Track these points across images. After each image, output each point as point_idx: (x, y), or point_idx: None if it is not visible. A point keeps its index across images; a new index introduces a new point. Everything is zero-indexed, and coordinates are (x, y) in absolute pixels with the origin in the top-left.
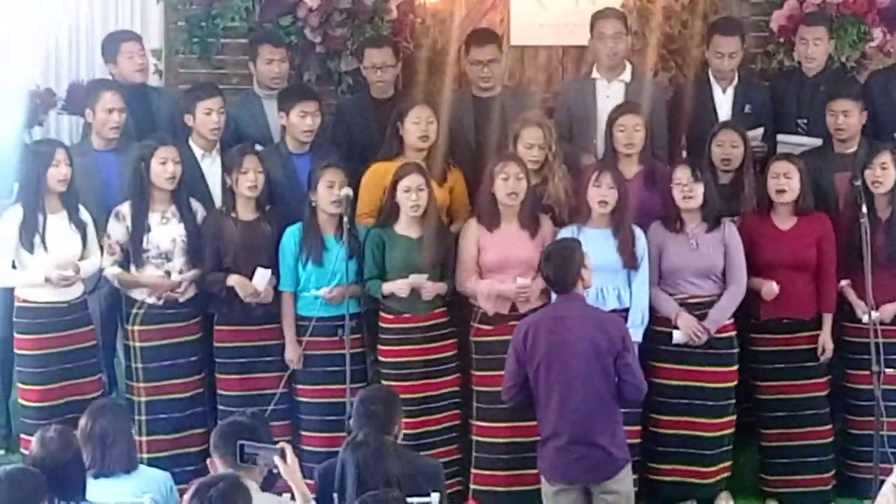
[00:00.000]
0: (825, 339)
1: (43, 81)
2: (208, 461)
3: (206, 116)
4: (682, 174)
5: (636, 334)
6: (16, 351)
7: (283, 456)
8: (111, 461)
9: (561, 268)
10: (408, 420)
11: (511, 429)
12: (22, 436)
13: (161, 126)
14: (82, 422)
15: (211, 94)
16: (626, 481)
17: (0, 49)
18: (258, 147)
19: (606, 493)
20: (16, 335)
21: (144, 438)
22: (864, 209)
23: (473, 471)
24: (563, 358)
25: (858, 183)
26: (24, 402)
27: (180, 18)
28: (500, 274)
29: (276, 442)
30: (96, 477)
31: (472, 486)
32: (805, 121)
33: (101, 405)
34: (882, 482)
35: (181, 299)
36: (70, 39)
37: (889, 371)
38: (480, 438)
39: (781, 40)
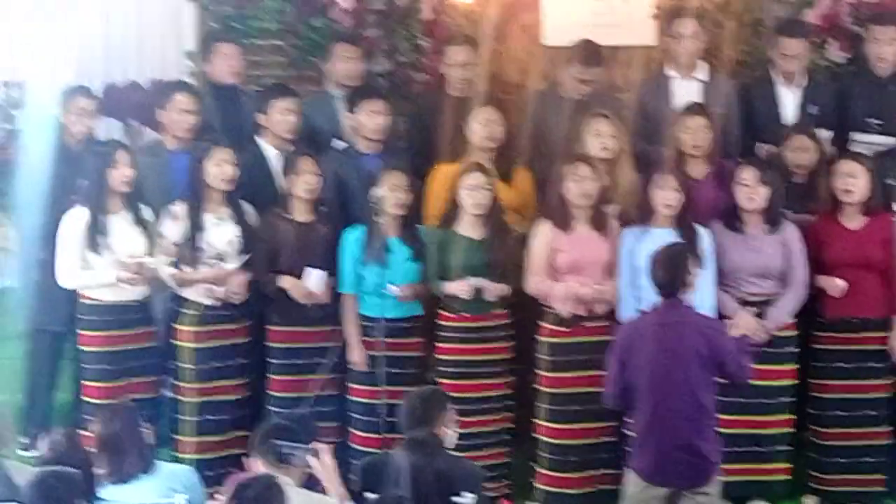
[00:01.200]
0: (892, 339)
1: (77, 83)
2: (245, 461)
3: (282, 116)
4: (747, 174)
5: None
6: (80, 347)
7: (318, 456)
8: (127, 466)
9: (671, 272)
10: (463, 419)
11: (577, 430)
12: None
13: (248, 128)
14: (93, 427)
15: (286, 94)
16: (715, 486)
17: (34, 51)
18: (339, 143)
19: (698, 496)
20: (80, 332)
21: (194, 440)
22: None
23: (542, 472)
24: (667, 364)
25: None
26: (86, 399)
27: (213, 20)
28: (574, 275)
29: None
30: (115, 483)
31: (538, 486)
32: (879, 121)
33: (110, 409)
34: None
35: (236, 300)
36: (104, 41)
37: None
38: (550, 440)
39: (815, 39)
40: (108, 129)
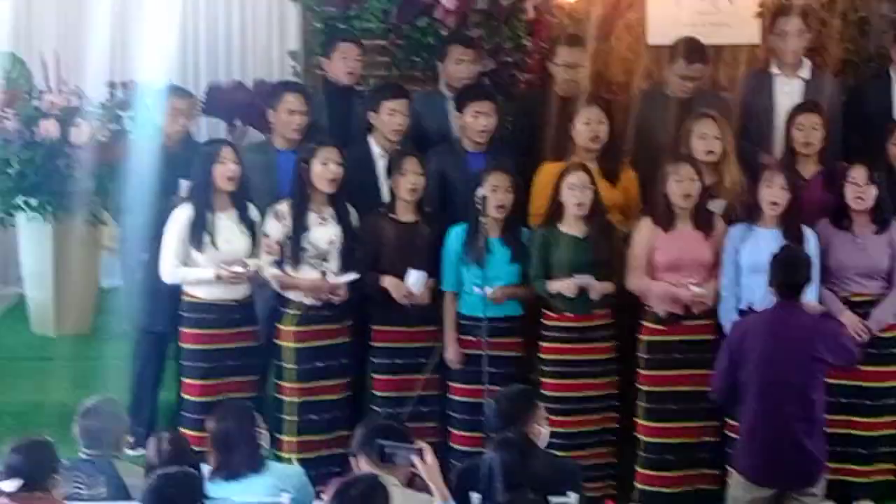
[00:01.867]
0: None
1: (181, 84)
2: (351, 460)
3: (390, 117)
4: (858, 174)
5: None
6: (181, 345)
7: (422, 456)
8: (236, 463)
9: (791, 276)
10: (564, 419)
11: (675, 429)
12: (182, 430)
13: (360, 128)
14: (208, 424)
15: (396, 95)
16: (821, 487)
17: (140, 51)
18: None
19: (805, 496)
20: (181, 329)
21: (295, 439)
22: None
23: (640, 471)
24: (777, 364)
25: None
26: (185, 396)
27: (317, 20)
28: (674, 274)
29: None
30: (226, 480)
31: (638, 486)
32: None
33: (225, 407)
34: None
35: (338, 301)
36: (208, 41)
37: None
38: (648, 439)
39: None
40: (213, 129)
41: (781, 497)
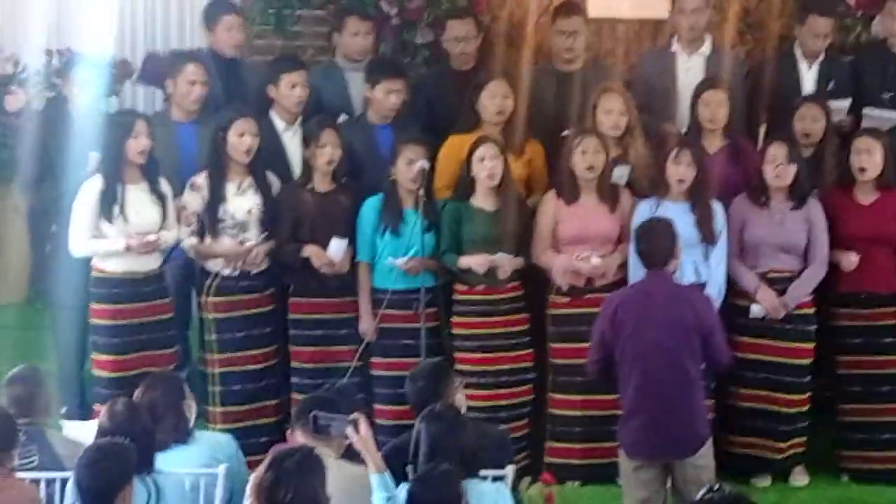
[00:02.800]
0: None
1: (118, 52)
2: (288, 433)
3: (290, 90)
4: (778, 151)
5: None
6: (91, 321)
7: (356, 426)
8: (163, 434)
9: (656, 245)
10: (480, 393)
11: (587, 402)
12: (95, 406)
13: (251, 99)
14: (136, 395)
15: (295, 68)
16: (707, 456)
17: (76, 20)
18: (342, 117)
19: (689, 468)
20: (91, 305)
21: (219, 409)
22: None
23: (548, 443)
24: (650, 334)
25: None
26: (98, 372)
27: None
28: (578, 247)
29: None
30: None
31: (546, 459)
32: (891, 95)
33: (152, 378)
34: None
35: (256, 270)
36: (145, 10)
37: None
38: (556, 411)
39: (860, 15)
40: (151, 98)
41: (670, 467)
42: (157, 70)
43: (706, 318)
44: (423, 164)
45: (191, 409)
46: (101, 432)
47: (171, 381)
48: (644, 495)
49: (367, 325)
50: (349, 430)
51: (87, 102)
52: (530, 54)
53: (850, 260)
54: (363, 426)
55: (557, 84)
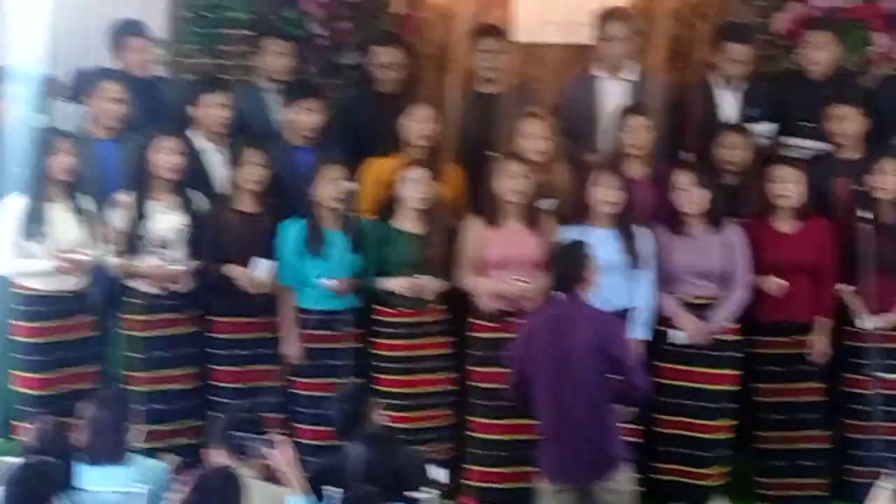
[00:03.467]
0: (820, 343)
1: (48, 69)
2: (203, 452)
3: (213, 110)
4: (683, 178)
5: (644, 333)
6: (11, 338)
7: (274, 447)
8: (100, 450)
9: (567, 268)
10: (402, 415)
11: (507, 426)
12: (14, 423)
13: (169, 116)
14: (82, 407)
15: (214, 89)
16: (624, 481)
17: (6, 36)
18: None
19: (606, 493)
20: (12, 322)
21: (143, 428)
22: (864, 214)
23: (468, 467)
24: (562, 358)
25: (859, 188)
26: (22, 390)
27: (185, 9)
28: (502, 271)
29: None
30: (88, 463)
31: (465, 482)
32: (811, 124)
33: (103, 394)
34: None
35: (181, 290)
36: (76, 27)
37: (888, 376)
38: (475, 434)
39: (784, 44)
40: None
41: (587, 491)
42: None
43: (616, 343)
44: (351, 185)
45: (131, 430)
46: (28, 450)
47: (119, 399)
48: None
49: (292, 348)
50: (269, 452)
51: (17, 119)
52: (455, 77)
53: (779, 284)
54: (284, 448)
55: (480, 107)
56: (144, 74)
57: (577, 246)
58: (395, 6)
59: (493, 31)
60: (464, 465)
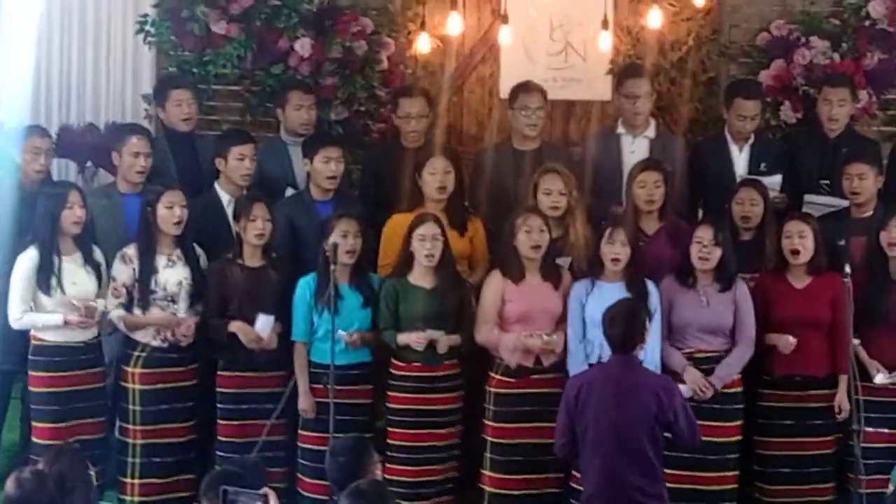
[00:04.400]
0: (841, 399)
1: (33, 121)
2: None
3: (239, 162)
4: (704, 234)
5: None
6: (30, 388)
7: (266, 502)
8: None
9: (627, 329)
10: (409, 468)
11: (525, 481)
12: None
13: (204, 172)
14: (39, 466)
15: (244, 141)
16: None
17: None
18: (289, 191)
19: None
20: (31, 373)
21: (137, 481)
22: (847, 269)
23: None
24: (614, 420)
25: (842, 243)
26: (36, 440)
27: (172, 64)
28: (524, 326)
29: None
30: None
31: None
32: (828, 182)
33: (57, 450)
34: None
35: (184, 343)
36: (61, 82)
37: (881, 430)
38: (493, 490)
39: (769, 100)
40: (64, 171)
41: None
42: (71, 142)
43: (670, 407)
44: (334, 240)
45: (94, 478)
46: (9, 501)
47: (74, 452)
48: None
49: (307, 403)
50: None
51: (7, 173)
52: (442, 132)
53: (788, 342)
54: (272, 501)
55: (515, 163)
56: (185, 128)
57: (634, 305)
58: (381, 62)
59: (535, 87)
60: None
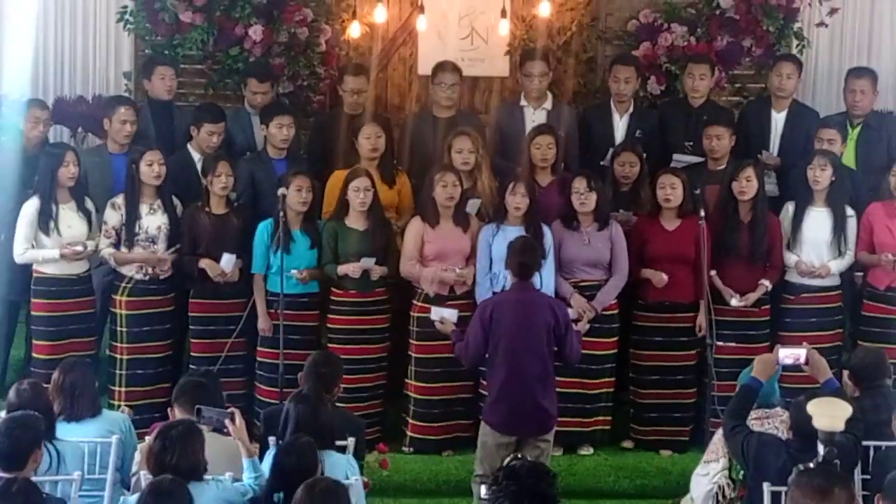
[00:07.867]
0: (701, 320)
1: (34, 96)
2: (169, 410)
3: (208, 136)
4: (580, 184)
5: None
6: (32, 313)
7: (232, 419)
8: (80, 408)
9: (529, 259)
10: (348, 377)
11: (443, 388)
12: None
13: (179, 136)
14: (55, 376)
15: (216, 120)
16: (551, 434)
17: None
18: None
19: (540, 442)
20: (33, 300)
21: (123, 389)
22: (702, 213)
23: (411, 422)
24: (521, 333)
25: (697, 191)
26: (36, 355)
27: (147, 47)
28: (440, 262)
29: (232, 393)
30: (68, 421)
31: (409, 435)
32: (691, 143)
33: (70, 363)
34: (713, 433)
35: (162, 276)
36: (56, 62)
37: (729, 344)
38: (417, 396)
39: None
40: (59, 135)
41: (521, 442)
42: (65, 111)
43: (564, 321)
44: (282, 191)
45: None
46: (9, 407)
47: (85, 365)
48: (497, 463)
49: (264, 323)
50: (227, 422)
51: (11, 138)
52: (371, 103)
53: (662, 278)
54: (237, 418)
55: (435, 127)
56: (165, 99)
57: (532, 241)
58: (320, 45)
59: (453, 67)
60: (410, 420)
